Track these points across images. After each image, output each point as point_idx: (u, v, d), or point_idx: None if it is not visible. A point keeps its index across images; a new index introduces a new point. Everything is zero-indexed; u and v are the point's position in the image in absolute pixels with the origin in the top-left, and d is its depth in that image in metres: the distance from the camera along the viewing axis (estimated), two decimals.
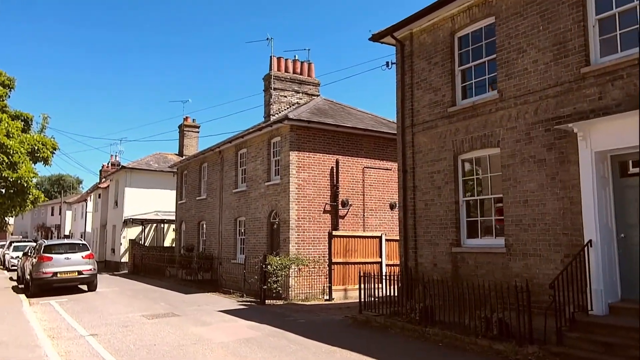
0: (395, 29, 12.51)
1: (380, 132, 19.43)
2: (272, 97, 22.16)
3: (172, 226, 31.84)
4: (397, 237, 18.42)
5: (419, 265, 11.89)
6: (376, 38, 12.99)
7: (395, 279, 11.67)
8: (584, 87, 8.87)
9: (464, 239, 11.08)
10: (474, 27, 11.15)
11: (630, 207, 8.49)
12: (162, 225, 33.84)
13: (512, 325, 8.56)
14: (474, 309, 9.27)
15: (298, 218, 17.32)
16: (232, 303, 15.53)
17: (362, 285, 11.68)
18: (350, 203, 18.47)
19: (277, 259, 16.18)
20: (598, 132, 8.57)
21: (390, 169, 19.67)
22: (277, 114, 21.46)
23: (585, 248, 8.41)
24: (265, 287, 15.54)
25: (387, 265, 17.64)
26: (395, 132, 19.55)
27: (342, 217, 18.33)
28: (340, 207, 18.17)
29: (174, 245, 30.26)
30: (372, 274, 11.91)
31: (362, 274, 11.90)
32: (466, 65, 11.34)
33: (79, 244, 19.65)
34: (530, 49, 9.81)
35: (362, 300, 11.65)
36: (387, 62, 13.50)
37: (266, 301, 15.40)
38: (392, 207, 19.60)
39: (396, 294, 11.65)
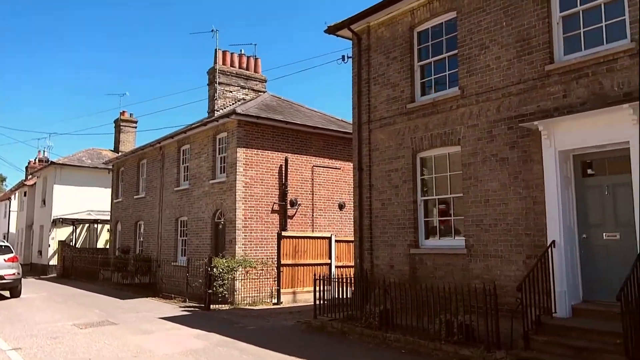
0: (353, 22, 12.03)
1: (330, 130, 18.97)
2: (217, 91, 21.13)
3: (107, 226, 29.91)
4: (347, 238, 18.21)
5: (374, 267, 11.45)
6: (332, 30, 12.46)
7: (350, 281, 11.15)
8: (548, 85, 8.72)
9: (422, 240, 10.75)
10: (435, 21, 10.84)
11: (592, 208, 8.41)
12: (96, 225, 31.76)
13: (475, 329, 8.25)
14: (435, 313, 8.90)
15: (245, 218, 16.50)
16: (174, 309, 14.48)
17: (318, 288, 11.07)
18: (299, 203, 17.87)
19: (224, 261, 15.28)
20: (562, 130, 8.43)
21: (340, 168, 19.27)
22: (222, 109, 20.48)
23: (550, 249, 8.24)
24: (210, 291, 14.60)
25: (336, 266, 17.18)
26: (345, 130, 19.38)
27: (291, 217, 17.69)
28: (289, 206, 17.52)
29: (108, 246, 28.41)
30: (330, 277, 11.34)
31: (318, 277, 11.31)
32: (426, 61, 11.02)
33: (1, 245, 17.80)
34: (492, 45, 9.59)
35: (317, 304, 11.04)
36: (343, 56, 13.08)
37: (211, 306, 14.48)
38: (341, 207, 19.20)
39: (350, 297, 11.13)
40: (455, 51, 10.29)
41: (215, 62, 21.45)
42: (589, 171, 8.57)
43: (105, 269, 24.20)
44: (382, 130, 11.61)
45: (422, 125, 10.74)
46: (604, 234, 8.25)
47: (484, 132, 9.58)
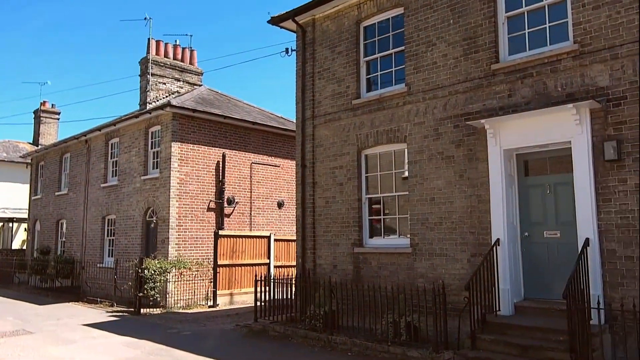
0: (297, 13, 11.62)
1: (269, 126, 18.47)
2: (150, 83, 19.94)
3: (24, 225, 27.63)
4: (286, 237, 17.80)
5: (317, 267, 11.12)
6: (276, 21, 11.99)
7: (293, 282, 10.74)
8: (494, 84, 8.75)
9: (366, 239, 10.54)
10: (382, 17, 10.66)
11: (534, 206, 8.52)
12: (11, 224, 29.25)
13: (422, 329, 8.12)
14: (381, 313, 8.70)
15: (179, 216, 15.65)
16: (101, 314, 13.42)
17: (260, 289, 10.54)
18: (236, 200, 17.23)
19: (156, 262, 14.37)
20: (507, 129, 8.48)
21: (279, 166, 18.83)
22: (155, 102, 19.37)
23: (494, 247, 8.25)
24: (141, 294, 13.66)
25: (275, 266, 16.72)
26: (285, 127, 18.98)
27: (228, 216, 17.01)
28: (226, 204, 16.84)
29: (25, 247, 26.22)
30: (272, 277, 10.83)
31: (260, 277, 10.78)
32: (372, 57, 10.82)
33: None
34: (440, 42, 9.53)
35: (258, 306, 10.52)
36: (287, 49, 12.59)
37: (142, 310, 13.56)
38: (280, 205, 18.76)
39: (292, 299, 10.72)
40: (402, 47, 10.16)
41: (148, 52, 20.24)
42: (532, 170, 8.68)
43: (21, 271, 22.28)
44: (326, 126, 11.29)
45: (367, 121, 10.53)
46: (545, 232, 8.38)
47: (431, 130, 9.50)
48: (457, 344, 7.56)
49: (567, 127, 7.83)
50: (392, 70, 10.48)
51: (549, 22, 8.40)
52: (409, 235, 9.74)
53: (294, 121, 20.19)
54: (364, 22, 10.95)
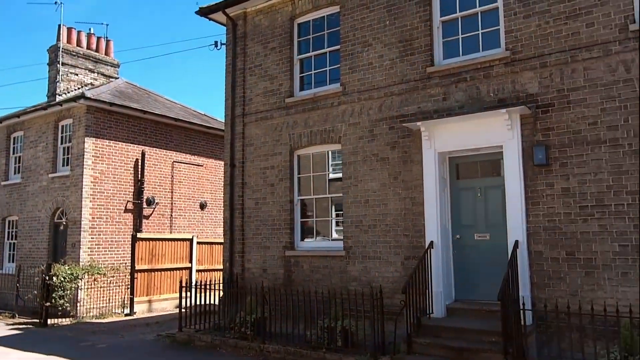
0: (228, 5, 11.08)
1: (193, 123, 17.62)
2: (60, 73, 18.31)
3: None
4: (209, 240, 17.06)
5: (246, 272, 10.64)
6: (205, 12, 11.35)
7: (220, 287, 10.15)
8: (429, 87, 8.78)
9: (298, 242, 10.22)
10: (317, 14, 10.42)
11: (465, 209, 8.64)
12: None
13: (357, 334, 7.93)
14: (315, 318, 8.41)
15: (93, 218, 14.44)
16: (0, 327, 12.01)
17: (187, 294, 9.81)
18: (157, 201, 16.23)
19: (66, 267, 13.10)
20: (441, 132, 8.53)
21: (202, 165, 18.03)
22: (65, 93, 17.83)
23: (428, 250, 8.25)
24: (48, 304, 12.37)
25: (198, 270, 15.95)
26: (210, 125, 18.21)
27: (147, 218, 15.98)
28: (145, 205, 15.81)
29: None
30: (198, 283, 10.16)
31: (186, 283, 10.07)
32: (307, 55, 10.54)
33: None
34: (376, 43, 9.44)
35: (183, 313, 9.81)
36: (216, 42, 11.98)
37: (49, 321, 12.27)
38: (202, 206, 17.95)
39: (220, 305, 10.14)
40: (338, 47, 9.97)
41: (58, 40, 18.57)
42: (464, 173, 8.80)
43: None
44: (258, 125, 10.84)
45: (301, 121, 10.23)
46: (475, 234, 8.51)
47: (366, 131, 9.38)
48: (393, 349, 7.43)
49: (499, 132, 7.99)
50: (326, 70, 10.26)
51: (482, 29, 8.55)
52: (342, 238, 9.55)
53: (219, 119, 19.64)
54: (298, 18, 10.65)
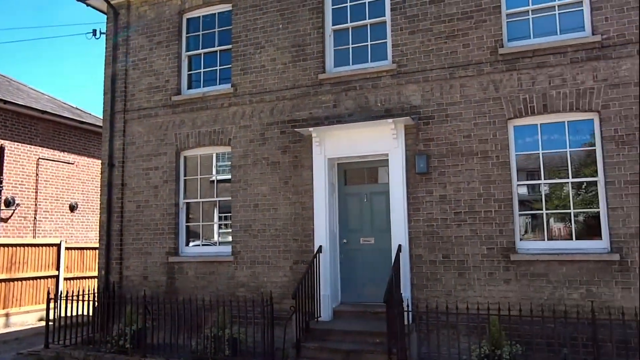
0: None
1: (62, 117, 16.05)
2: None
3: None
4: (80, 245, 15.64)
5: (124, 279, 9.92)
6: None
7: (95, 297, 9.33)
8: (321, 94, 8.92)
9: (182, 247, 9.77)
10: (208, 10, 10.07)
11: (352, 214, 8.90)
12: None
13: (245, 342, 7.77)
14: (202, 327, 8.09)
15: None
16: None
17: (55, 305, 8.81)
18: (17, 202, 14.53)
19: None
20: (332, 139, 8.70)
21: (74, 163, 16.53)
22: None
23: (318, 254, 8.36)
24: None
25: (66, 279, 14.51)
26: (82, 120, 16.74)
27: (6, 220, 14.24)
28: (3, 206, 14.06)
29: None
30: (71, 293, 9.21)
31: (54, 294, 9.06)
32: (196, 52, 10.13)
33: None
34: (269, 46, 9.37)
35: (51, 327, 8.82)
36: (95, 30, 11.01)
37: None
38: (72, 208, 16.45)
39: (94, 316, 9.34)
40: (229, 46, 9.73)
41: None
42: (351, 179, 9.07)
43: None
44: (140, 122, 10.19)
45: (189, 120, 9.80)
46: (361, 238, 8.82)
47: (257, 134, 9.26)
48: (282, 355, 7.40)
49: (385, 141, 8.36)
50: (217, 69, 9.95)
51: (371, 41, 8.89)
52: (230, 243, 9.32)
53: (94, 114, 18.17)
54: (187, 13, 10.21)
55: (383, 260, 8.45)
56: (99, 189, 11.06)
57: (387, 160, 8.44)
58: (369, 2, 8.95)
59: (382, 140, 8.37)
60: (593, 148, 7.50)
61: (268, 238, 8.98)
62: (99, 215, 10.67)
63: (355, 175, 9.08)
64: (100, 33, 10.95)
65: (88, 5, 10.62)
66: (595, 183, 7.46)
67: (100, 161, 10.95)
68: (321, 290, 8.32)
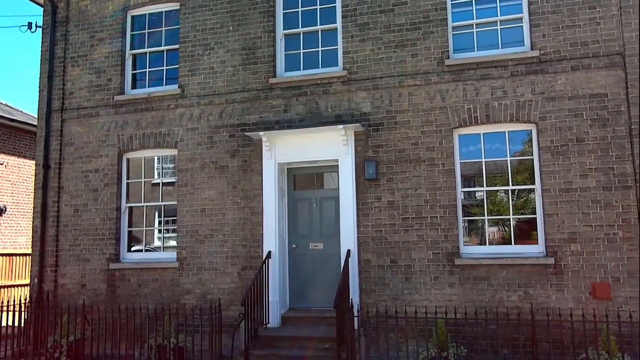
0: None
1: None
2: None
3: None
4: (8, 251, 14.66)
5: (60, 288, 9.39)
6: None
7: (25, 307, 8.77)
8: (271, 98, 8.86)
9: (124, 253, 9.38)
10: (154, 8, 9.76)
11: (301, 219, 8.89)
12: None
13: (192, 351, 7.56)
14: (146, 337, 7.79)
15: None
16: None
17: None
18: None
19: None
20: (282, 144, 8.67)
21: (2, 164, 15.50)
22: None
23: (267, 260, 8.28)
24: None
25: None
26: (12, 117, 15.73)
27: None
28: None
29: None
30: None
31: None
32: (141, 50, 9.78)
33: None
34: (218, 47, 9.20)
35: None
36: (30, 23, 10.37)
37: None
38: (1, 211, 15.41)
39: (23, 327, 8.77)
40: (177, 46, 9.47)
41: None
42: (301, 184, 9.07)
43: None
44: (80, 122, 9.70)
45: (132, 121, 9.44)
46: (310, 243, 8.82)
47: (205, 137, 9.06)
48: None
49: (335, 146, 8.41)
50: (163, 69, 9.66)
51: (322, 46, 8.94)
52: (176, 249, 9.05)
53: (26, 112, 17.14)
54: (132, 10, 9.84)
55: (332, 266, 8.50)
56: (32, 191, 10.44)
57: (337, 166, 8.51)
58: (320, 8, 8.99)
59: (332, 146, 8.43)
60: (531, 157, 7.91)
61: (215, 243, 8.79)
62: (31, 220, 10.07)
63: (305, 180, 9.08)
64: (37, 26, 10.35)
65: None
66: (532, 190, 7.86)
67: (33, 162, 10.34)
68: (270, 296, 8.25)
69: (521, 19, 8.15)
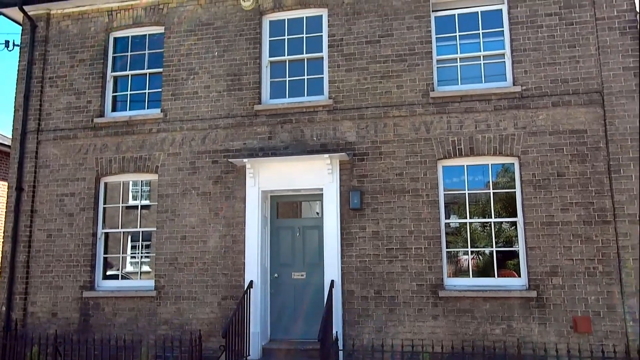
0: (27, 2, 9.54)
1: None
2: None
3: None
4: None
5: (29, 316, 8.98)
6: None
7: None
8: (256, 125, 8.79)
9: (99, 281, 9.06)
10: (138, 31, 9.64)
11: (284, 248, 8.77)
12: None
13: None
14: None
15: None
16: None
17: None
18: None
19: None
20: (266, 171, 8.58)
21: None
22: None
23: (249, 289, 8.11)
24: None
25: None
26: None
27: None
28: None
29: None
30: None
31: None
32: (123, 73, 9.61)
33: None
34: (203, 72, 9.12)
35: None
36: (7, 41, 10.10)
37: None
38: None
39: None
40: (160, 70, 9.34)
41: None
42: (284, 212, 8.97)
43: None
44: (57, 144, 9.42)
45: (112, 145, 9.22)
46: (293, 273, 8.69)
47: (187, 163, 8.90)
48: None
49: (320, 175, 8.37)
50: (146, 92, 9.50)
51: (308, 75, 8.95)
52: (154, 277, 8.79)
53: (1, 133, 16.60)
54: (115, 32, 9.70)
55: (314, 296, 8.38)
56: (2, 214, 10.04)
57: (322, 194, 8.46)
58: (306, 37, 9.03)
59: (317, 175, 8.38)
60: (513, 190, 8.01)
61: (195, 272, 8.58)
62: (0, 245, 9.67)
63: (289, 208, 8.99)
64: (14, 45, 10.08)
65: (2, 14, 9.74)
66: (515, 223, 7.95)
67: (6, 183, 9.96)
68: (251, 327, 8.05)
69: (503, 54, 8.34)
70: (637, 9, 7.97)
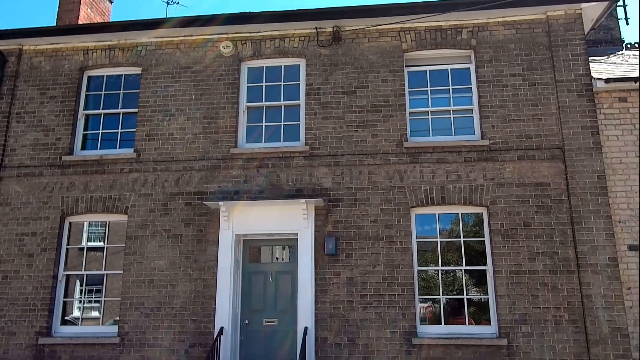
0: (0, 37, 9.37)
1: None
2: None
3: None
4: None
5: None
6: None
7: None
8: (232, 168, 8.78)
9: (57, 326, 8.55)
10: (114, 71, 9.60)
11: (255, 293, 8.61)
12: None
13: None
14: None
15: None
16: None
17: None
18: None
19: None
20: (241, 215, 8.52)
21: None
22: None
23: (219, 337, 7.86)
24: None
25: None
26: None
27: None
28: None
29: None
30: None
31: None
32: (95, 111, 9.47)
33: None
34: (179, 114, 9.12)
35: None
36: None
37: None
38: None
39: None
40: (135, 110, 9.27)
41: None
42: (257, 257, 8.86)
43: None
44: (20, 181, 9.04)
45: (80, 184, 8.94)
46: (264, 319, 8.50)
47: (159, 204, 8.72)
48: None
49: (295, 220, 8.39)
50: (118, 132, 9.36)
51: (285, 121, 9.10)
52: (118, 322, 8.38)
53: None
54: (90, 70, 9.62)
55: (286, 343, 8.21)
56: None
57: (296, 239, 8.44)
58: (284, 84, 9.25)
59: (292, 220, 8.39)
60: (483, 239, 8.28)
61: (162, 318, 8.25)
62: None
63: (262, 253, 8.90)
64: None
65: None
66: (485, 272, 8.17)
67: None
68: None
69: (472, 110, 8.81)
70: (592, 74, 8.66)
